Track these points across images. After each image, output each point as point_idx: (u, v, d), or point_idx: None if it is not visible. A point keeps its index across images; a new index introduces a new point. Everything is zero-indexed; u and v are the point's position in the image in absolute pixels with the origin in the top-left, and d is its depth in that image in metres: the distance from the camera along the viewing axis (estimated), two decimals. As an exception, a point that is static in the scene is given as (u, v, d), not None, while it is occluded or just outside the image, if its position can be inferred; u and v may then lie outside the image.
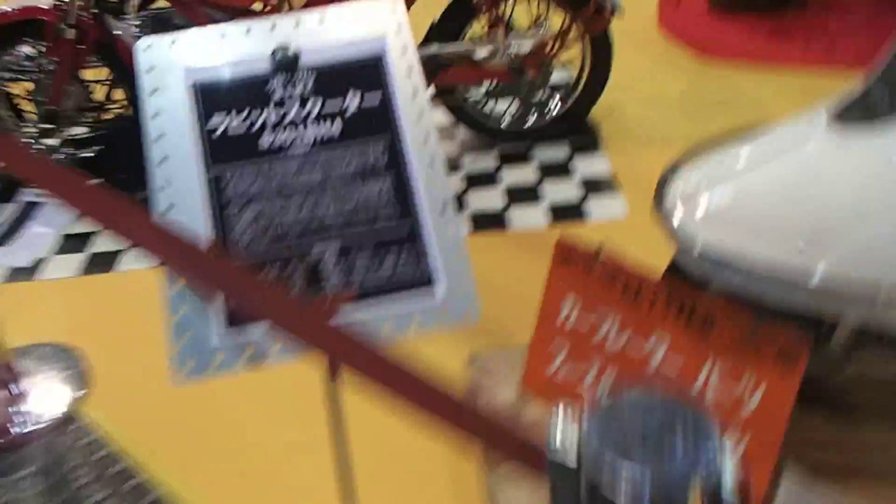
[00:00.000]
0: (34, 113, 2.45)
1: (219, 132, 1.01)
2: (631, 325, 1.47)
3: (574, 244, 1.51)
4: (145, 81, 1.02)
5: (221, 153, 1.00)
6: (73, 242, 2.22)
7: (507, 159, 2.37)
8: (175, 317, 0.92)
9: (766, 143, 1.30)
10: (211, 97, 1.02)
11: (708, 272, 1.24)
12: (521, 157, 2.38)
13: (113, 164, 2.46)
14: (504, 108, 2.42)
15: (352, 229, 0.97)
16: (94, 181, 0.96)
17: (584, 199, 2.19)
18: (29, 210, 2.48)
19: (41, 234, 2.28)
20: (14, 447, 1.72)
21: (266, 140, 1.01)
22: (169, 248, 0.92)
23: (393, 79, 1.04)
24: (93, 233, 2.24)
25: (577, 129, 2.46)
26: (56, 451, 1.68)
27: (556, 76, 2.44)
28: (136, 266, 1.98)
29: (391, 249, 0.97)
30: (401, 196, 0.99)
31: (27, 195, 2.50)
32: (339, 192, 0.99)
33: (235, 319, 0.92)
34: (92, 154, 2.58)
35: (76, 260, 2.15)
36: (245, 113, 1.02)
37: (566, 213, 2.15)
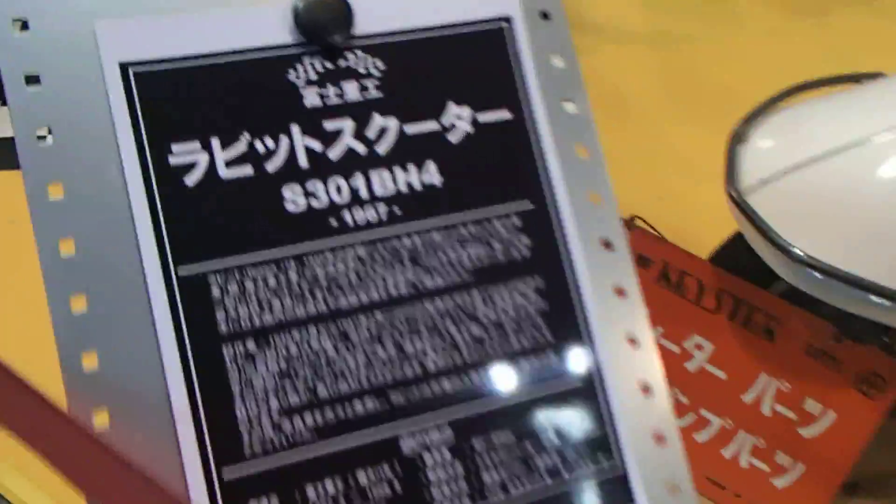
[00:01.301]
0: None
1: (194, 179, 0.52)
2: (665, 322, 1.20)
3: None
4: (6, 61, 0.50)
5: (202, 228, 0.51)
6: None
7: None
8: None
9: (872, 101, 0.99)
10: (167, 102, 0.52)
11: (800, 278, 0.96)
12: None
13: None
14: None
15: (473, 395, 0.54)
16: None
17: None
18: None
19: None
20: None
21: (292, 198, 0.53)
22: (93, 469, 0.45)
23: (530, 74, 0.59)
24: None
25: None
26: None
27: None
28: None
29: (550, 435, 0.55)
30: (560, 318, 0.56)
31: None
32: (444, 315, 0.54)
33: None
34: None
35: None
36: (244, 139, 0.53)
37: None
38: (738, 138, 1.02)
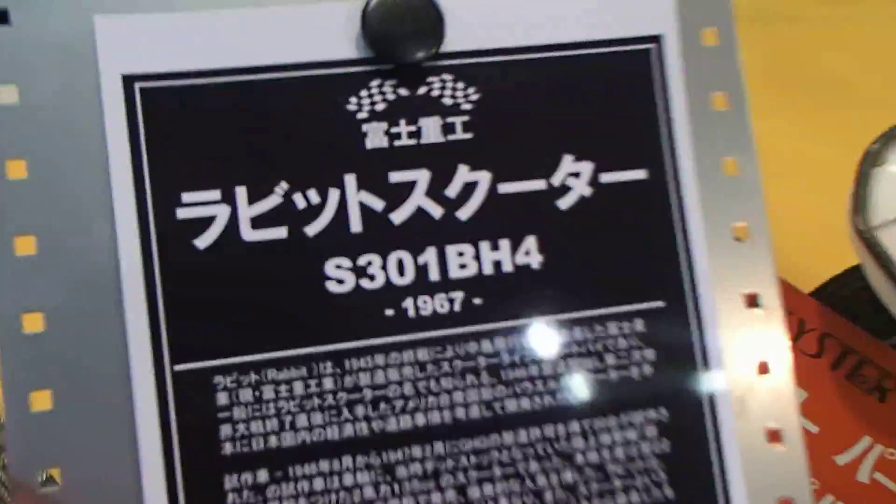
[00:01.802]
0: None
1: (208, 241, 0.40)
2: (753, 359, 1.08)
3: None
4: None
5: (211, 310, 0.40)
6: None
7: None
8: None
9: None
10: (182, 132, 0.40)
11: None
12: None
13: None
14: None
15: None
16: None
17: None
18: None
19: None
20: None
21: (338, 275, 0.41)
22: None
23: (680, 118, 0.45)
24: None
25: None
26: None
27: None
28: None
29: None
30: (688, 467, 0.43)
31: None
32: (527, 451, 0.42)
33: None
34: None
35: None
36: (279, 190, 0.41)
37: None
38: (872, 160, 0.84)
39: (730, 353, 0.43)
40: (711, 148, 0.44)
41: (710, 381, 0.43)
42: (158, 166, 0.39)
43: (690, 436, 0.42)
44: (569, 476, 0.41)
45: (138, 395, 0.38)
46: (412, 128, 0.41)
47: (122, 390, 0.38)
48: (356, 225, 0.40)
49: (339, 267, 0.40)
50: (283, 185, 0.40)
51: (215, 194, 0.39)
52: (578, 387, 0.42)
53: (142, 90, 0.39)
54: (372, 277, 0.40)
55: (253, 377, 0.39)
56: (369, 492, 0.39)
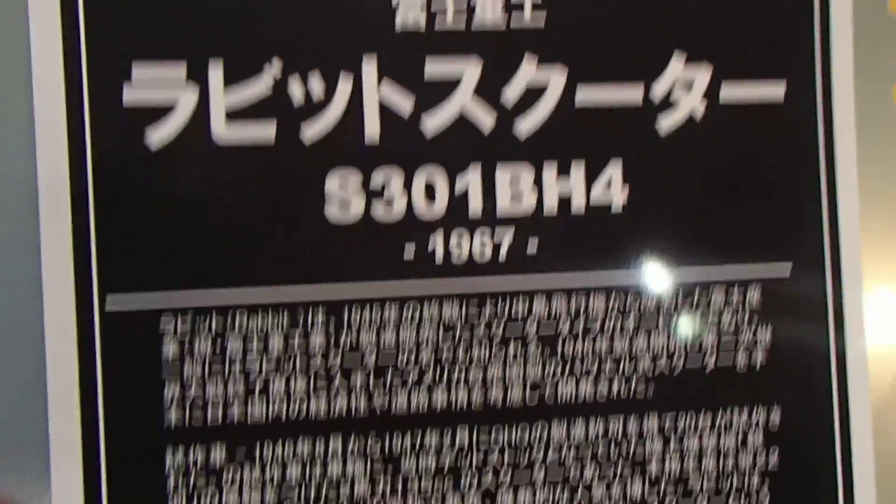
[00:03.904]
0: None
1: (165, 137, 0.28)
2: None
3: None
4: None
5: (162, 231, 0.28)
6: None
7: None
8: None
9: None
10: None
11: None
12: None
13: None
14: None
15: None
16: None
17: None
18: None
19: None
20: None
21: (342, 196, 0.29)
22: None
23: (842, 12, 0.31)
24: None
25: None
26: None
27: None
28: None
29: None
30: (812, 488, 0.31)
31: None
32: (595, 448, 0.30)
33: None
34: None
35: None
36: (270, 70, 0.29)
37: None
38: None
39: (877, 348, 0.30)
40: (882, 65, 0.30)
41: (844, 382, 0.30)
42: (99, 22, 0.27)
43: (807, 451, 0.30)
44: (637, 489, 0.29)
45: (52, 343, 0.27)
46: (462, 2, 0.28)
47: (31, 331, 0.27)
48: (372, 127, 0.28)
49: (344, 185, 0.28)
50: (276, 64, 0.28)
51: (178, 70, 0.27)
52: (662, 372, 0.29)
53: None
54: (389, 202, 0.28)
55: (215, 322, 0.27)
56: (362, 486, 0.28)
